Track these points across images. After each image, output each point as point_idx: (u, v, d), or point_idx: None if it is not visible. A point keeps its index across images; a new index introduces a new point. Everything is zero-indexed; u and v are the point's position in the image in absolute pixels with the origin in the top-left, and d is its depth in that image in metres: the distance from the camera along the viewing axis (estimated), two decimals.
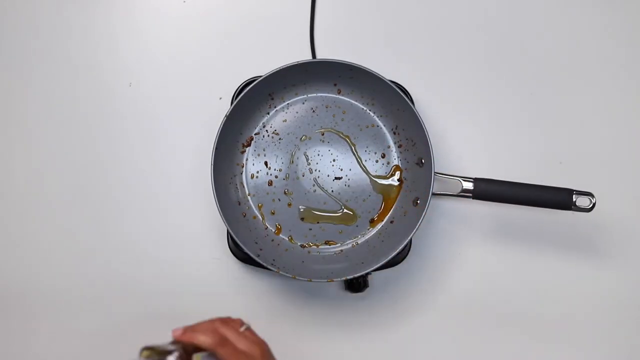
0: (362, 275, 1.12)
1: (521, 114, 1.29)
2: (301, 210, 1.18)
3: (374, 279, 1.21)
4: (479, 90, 1.30)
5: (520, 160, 1.27)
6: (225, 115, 1.09)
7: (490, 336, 1.23)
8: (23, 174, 1.26)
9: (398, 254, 1.11)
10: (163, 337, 0.94)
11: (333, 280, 1.09)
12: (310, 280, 1.08)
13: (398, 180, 1.19)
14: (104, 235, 1.24)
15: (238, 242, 1.07)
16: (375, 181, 1.19)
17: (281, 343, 1.18)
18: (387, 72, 1.18)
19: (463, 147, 1.28)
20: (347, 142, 1.19)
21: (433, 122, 1.25)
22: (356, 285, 1.17)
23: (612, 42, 1.32)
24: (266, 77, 1.10)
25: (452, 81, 1.30)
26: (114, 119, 1.28)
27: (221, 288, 1.22)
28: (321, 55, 1.28)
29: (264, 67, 1.17)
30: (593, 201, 1.07)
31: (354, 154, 1.19)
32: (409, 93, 1.22)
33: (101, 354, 1.21)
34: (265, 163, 1.18)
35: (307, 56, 1.29)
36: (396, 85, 1.17)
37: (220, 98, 1.26)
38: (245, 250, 1.07)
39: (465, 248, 1.24)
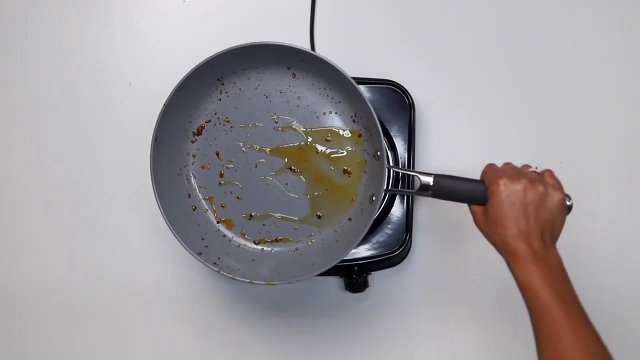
0: (361, 275, 1.11)
1: (521, 114, 1.27)
2: (256, 214, 1.10)
3: (374, 279, 1.18)
4: (479, 90, 1.28)
5: (519, 159, 1.18)
6: (164, 103, 1.02)
7: (490, 336, 1.22)
8: (22, 173, 1.29)
9: (398, 254, 1.10)
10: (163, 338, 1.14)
11: (276, 284, 1.00)
12: (252, 283, 0.99)
13: (347, 172, 1.08)
14: (104, 235, 1.26)
15: (178, 238, 0.99)
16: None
17: (281, 343, 1.25)
18: (387, 71, 1.21)
19: (461, 146, 1.26)
20: (301, 136, 1.10)
21: (433, 121, 1.25)
22: (356, 285, 1.15)
23: (613, 42, 1.29)
24: (207, 62, 1.02)
25: (451, 80, 1.28)
26: (114, 119, 1.29)
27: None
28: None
29: None
30: (569, 203, 0.93)
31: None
32: (408, 92, 1.20)
33: (99, 353, 1.25)
34: (217, 153, 1.10)
35: None
36: (394, 85, 1.16)
37: None
38: (185, 248, 1.00)
39: (466, 248, 1.20)
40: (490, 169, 0.96)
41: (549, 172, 0.94)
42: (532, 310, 0.86)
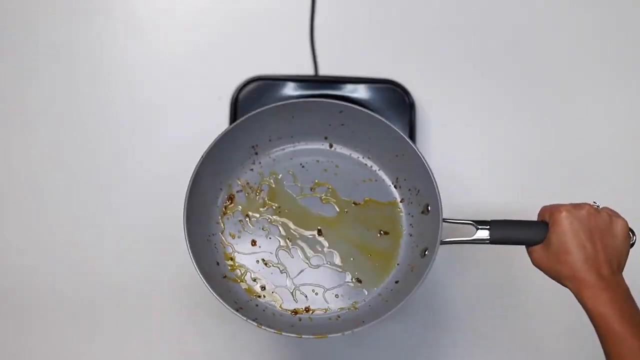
0: None
1: (522, 113, 1.28)
2: (290, 284, 1.02)
3: None
4: (480, 90, 1.29)
5: (521, 159, 1.25)
6: (197, 165, 0.96)
7: (492, 337, 1.20)
8: (22, 173, 1.27)
9: None
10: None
11: (326, 336, 0.90)
12: (299, 336, 0.90)
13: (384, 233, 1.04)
14: (102, 236, 1.23)
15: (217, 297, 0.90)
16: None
17: (280, 342, 1.21)
18: (388, 71, 1.25)
19: (462, 146, 1.26)
20: (336, 206, 1.05)
21: (433, 121, 1.26)
22: None
23: (614, 41, 1.32)
24: (241, 122, 0.98)
25: (452, 80, 1.30)
26: (114, 119, 1.28)
27: None
28: (321, 55, 1.28)
29: (263, 67, 1.25)
30: (633, 240, 0.92)
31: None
32: (409, 92, 1.22)
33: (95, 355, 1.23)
34: (248, 221, 1.03)
35: (306, 54, 1.29)
36: (395, 85, 1.22)
37: (220, 98, 1.25)
38: (225, 306, 0.90)
39: (469, 247, 1.17)
40: (546, 207, 0.94)
41: (608, 208, 0.94)
42: (605, 338, 0.83)
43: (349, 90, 1.24)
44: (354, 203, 1.06)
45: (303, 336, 0.90)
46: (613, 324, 0.82)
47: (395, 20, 1.34)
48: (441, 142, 1.25)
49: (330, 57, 1.29)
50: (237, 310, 0.92)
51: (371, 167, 1.07)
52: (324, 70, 1.29)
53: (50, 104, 1.29)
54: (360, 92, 1.23)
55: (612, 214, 0.90)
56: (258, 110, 0.99)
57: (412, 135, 1.21)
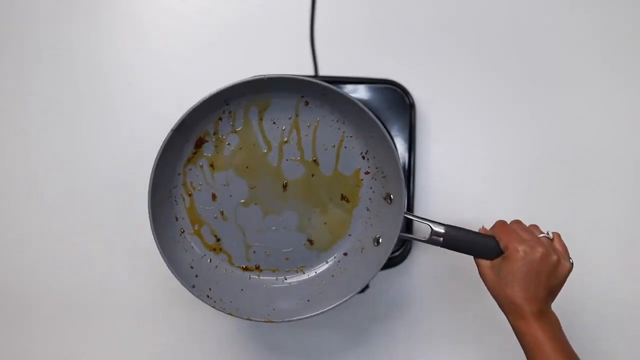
0: None
1: (522, 113, 1.28)
2: (245, 240, 1.04)
3: (374, 279, 1.15)
4: (480, 90, 1.29)
5: (520, 159, 1.28)
6: (172, 129, 0.92)
7: (491, 337, 1.25)
8: (21, 173, 1.29)
9: (398, 254, 1.13)
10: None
11: (272, 322, 0.98)
12: (249, 319, 0.97)
13: (345, 200, 1.04)
14: (101, 237, 1.27)
15: (172, 271, 0.94)
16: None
17: (277, 341, 1.28)
18: (388, 71, 1.25)
19: (462, 146, 1.27)
20: (303, 166, 1.02)
21: (433, 121, 1.26)
22: None
23: (614, 41, 1.30)
24: (219, 92, 0.91)
25: (452, 80, 1.29)
26: (114, 119, 1.29)
27: None
28: (321, 55, 1.28)
29: (264, 67, 1.22)
30: (570, 261, 0.98)
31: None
32: (408, 92, 1.23)
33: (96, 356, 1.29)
34: (212, 174, 1.00)
35: (306, 54, 1.28)
36: (395, 85, 1.22)
37: None
38: (179, 281, 0.94)
39: None
40: (503, 229, 0.98)
41: (558, 237, 0.99)
42: (535, 357, 0.94)
43: (349, 90, 1.18)
44: (318, 166, 1.03)
45: (252, 319, 0.96)
46: (545, 348, 0.92)
47: (395, 20, 1.31)
48: (441, 142, 1.23)
49: (330, 57, 1.23)
50: (193, 285, 0.97)
51: (344, 132, 1.00)
52: (324, 71, 1.23)
53: (50, 103, 1.29)
54: (360, 92, 1.18)
55: (561, 257, 0.96)
56: (237, 82, 0.91)
57: (412, 135, 1.18)
